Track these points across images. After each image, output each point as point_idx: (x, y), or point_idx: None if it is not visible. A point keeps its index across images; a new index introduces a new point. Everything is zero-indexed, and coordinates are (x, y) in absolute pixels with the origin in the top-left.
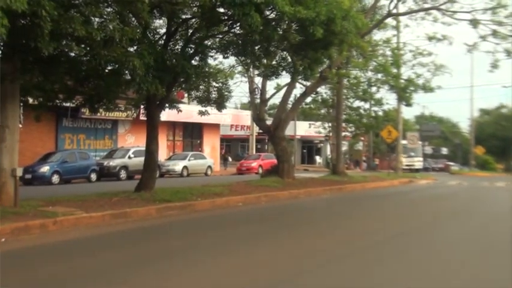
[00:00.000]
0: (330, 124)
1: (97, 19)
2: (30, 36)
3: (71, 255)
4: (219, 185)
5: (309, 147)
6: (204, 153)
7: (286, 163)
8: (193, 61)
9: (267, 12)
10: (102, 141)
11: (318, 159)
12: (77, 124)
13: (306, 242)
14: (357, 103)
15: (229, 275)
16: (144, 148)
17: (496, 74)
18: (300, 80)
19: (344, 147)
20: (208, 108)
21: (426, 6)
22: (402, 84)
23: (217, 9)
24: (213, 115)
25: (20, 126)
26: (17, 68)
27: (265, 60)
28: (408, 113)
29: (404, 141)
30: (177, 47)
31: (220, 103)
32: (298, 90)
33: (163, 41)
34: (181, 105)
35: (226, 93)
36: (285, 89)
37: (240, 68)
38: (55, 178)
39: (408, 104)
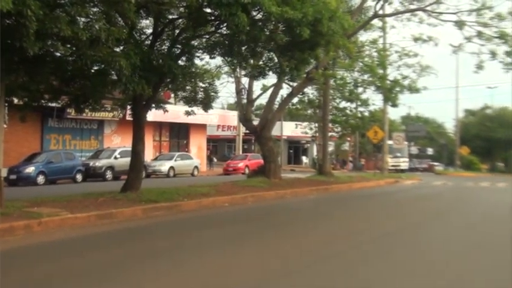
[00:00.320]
0: (317, 124)
1: (83, 19)
2: (15, 36)
3: (57, 256)
4: (206, 185)
5: (296, 148)
6: (190, 153)
7: (272, 163)
8: (179, 61)
9: (254, 13)
10: (88, 141)
11: (304, 159)
12: (62, 124)
13: (292, 242)
14: (344, 104)
15: (217, 275)
16: (130, 148)
17: (481, 75)
18: (286, 81)
19: (330, 148)
20: (195, 109)
21: (412, 7)
22: (388, 85)
23: (204, 9)
24: (199, 115)
25: (5, 126)
26: (2, 68)
27: (252, 61)
28: (394, 114)
29: (390, 142)
30: (163, 47)
31: (206, 103)
32: (284, 90)
33: (149, 41)
34: (167, 106)
35: (212, 93)
36: (271, 89)
37: (226, 69)
38: (40, 179)
39: (394, 105)
